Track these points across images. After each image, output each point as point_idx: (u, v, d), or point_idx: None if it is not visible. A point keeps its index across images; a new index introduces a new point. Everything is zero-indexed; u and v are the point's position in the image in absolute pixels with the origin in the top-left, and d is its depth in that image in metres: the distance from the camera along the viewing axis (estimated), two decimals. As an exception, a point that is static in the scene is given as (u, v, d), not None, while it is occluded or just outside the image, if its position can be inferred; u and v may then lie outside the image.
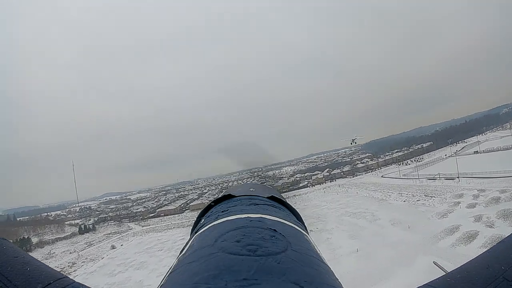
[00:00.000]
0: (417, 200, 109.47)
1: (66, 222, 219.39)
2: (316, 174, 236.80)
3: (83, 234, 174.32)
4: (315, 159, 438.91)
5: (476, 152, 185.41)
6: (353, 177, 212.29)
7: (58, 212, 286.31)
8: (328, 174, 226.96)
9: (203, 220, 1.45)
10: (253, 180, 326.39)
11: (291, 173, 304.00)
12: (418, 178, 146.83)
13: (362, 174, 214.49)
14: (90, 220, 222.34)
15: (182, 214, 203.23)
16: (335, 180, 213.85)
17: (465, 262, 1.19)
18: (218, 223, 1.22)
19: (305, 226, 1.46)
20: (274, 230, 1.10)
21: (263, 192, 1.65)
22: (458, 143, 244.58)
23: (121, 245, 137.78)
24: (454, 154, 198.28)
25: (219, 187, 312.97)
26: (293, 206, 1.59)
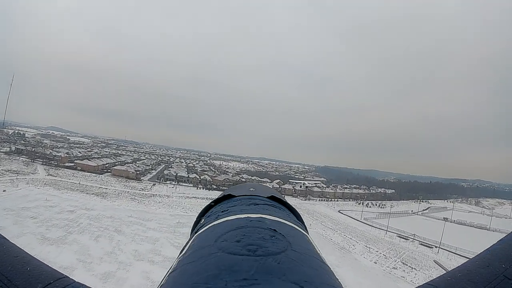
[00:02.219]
0: (393, 268, 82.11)
1: None
2: (264, 182, 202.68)
3: None
4: (266, 164, 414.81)
5: (446, 219, 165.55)
6: (305, 199, 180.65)
7: None
8: (278, 186, 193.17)
9: (203, 220, 1.43)
10: (196, 163, 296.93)
11: (237, 170, 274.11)
12: (387, 231, 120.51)
13: (316, 200, 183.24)
14: (4, 147, 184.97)
15: (101, 175, 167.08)
16: (284, 197, 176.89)
17: (465, 261, 1.19)
18: (218, 223, 1.22)
19: (305, 226, 1.45)
20: (274, 230, 1.09)
21: (263, 192, 1.61)
22: (422, 201, 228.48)
23: (3, 191, 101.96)
24: (420, 213, 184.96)
25: (158, 158, 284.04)
26: (293, 206, 1.57)
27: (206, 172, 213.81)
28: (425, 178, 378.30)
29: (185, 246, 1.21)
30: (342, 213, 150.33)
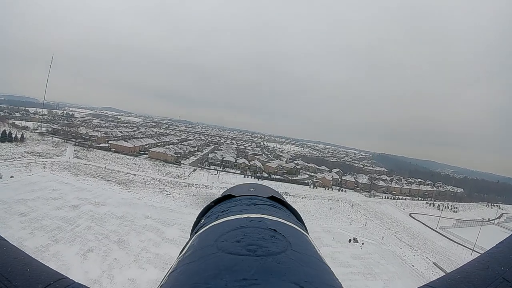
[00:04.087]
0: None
1: (10, 121, 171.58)
2: (322, 171, 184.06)
3: (3, 142, 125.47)
4: (322, 148, 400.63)
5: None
6: (369, 195, 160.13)
7: (34, 108, 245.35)
8: (338, 178, 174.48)
9: (203, 220, 1.43)
10: (248, 145, 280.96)
11: (292, 154, 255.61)
12: (472, 251, 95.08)
13: (381, 197, 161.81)
14: (42, 127, 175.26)
15: (135, 158, 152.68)
16: (345, 191, 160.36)
17: (464, 263, 1.19)
18: (218, 223, 1.22)
19: (305, 226, 1.46)
20: (274, 230, 1.10)
21: (263, 192, 1.63)
22: (493, 205, 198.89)
23: (11, 177, 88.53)
24: (497, 223, 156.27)
25: (208, 139, 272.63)
26: (293, 207, 1.58)
27: (257, 157, 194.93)
28: (487, 175, 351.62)
29: (185, 246, 1.21)
30: (414, 218, 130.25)
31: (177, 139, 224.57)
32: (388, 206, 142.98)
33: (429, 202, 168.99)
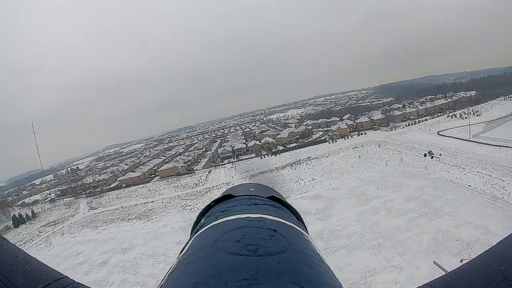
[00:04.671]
0: None
1: (18, 203, 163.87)
2: (335, 123, 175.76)
3: (18, 227, 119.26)
4: (323, 101, 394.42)
5: None
6: (389, 128, 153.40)
7: (40, 179, 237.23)
8: (352, 123, 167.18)
9: (203, 220, 1.43)
10: (252, 125, 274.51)
11: (298, 117, 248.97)
12: None
13: (401, 126, 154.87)
14: (50, 194, 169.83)
15: (148, 184, 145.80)
16: (365, 133, 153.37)
17: (465, 262, 1.18)
18: (218, 223, 1.22)
19: (305, 226, 1.47)
20: (274, 230, 1.10)
21: (263, 192, 1.65)
22: (509, 97, 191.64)
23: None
24: None
25: (212, 135, 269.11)
26: (293, 206, 1.60)
27: (265, 133, 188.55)
28: (491, 71, 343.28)
29: (185, 246, 1.20)
30: (443, 136, 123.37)
31: (183, 148, 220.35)
32: (413, 133, 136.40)
33: (450, 115, 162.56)
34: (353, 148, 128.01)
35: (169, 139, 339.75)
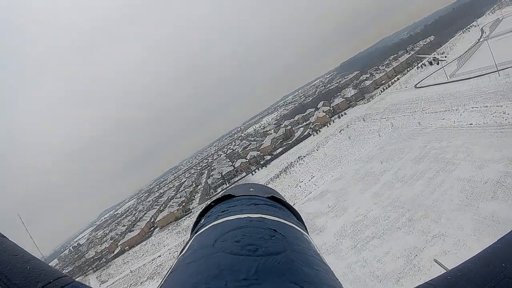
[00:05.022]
0: None
1: None
2: (311, 114, 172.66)
3: None
4: (292, 98, 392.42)
5: None
6: (367, 101, 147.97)
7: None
8: (328, 108, 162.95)
9: (203, 220, 1.44)
10: (233, 145, 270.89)
11: (274, 122, 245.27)
12: (498, 71, 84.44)
13: (378, 94, 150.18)
14: None
15: (150, 238, 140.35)
16: (345, 114, 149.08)
17: (465, 260, 1.16)
18: (218, 223, 1.22)
19: (305, 226, 1.48)
20: (274, 230, 1.10)
21: (263, 192, 1.64)
22: (466, 29, 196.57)
23: None
24: (485, 37, 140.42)
25: (198, 167, 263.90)
26: (293, 206, 1.59)
27: (248, 148, 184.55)
28: (440, 12, 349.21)
29: (185, 246, 1.21)
30: (422, 87, 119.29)
31: (173, 191, 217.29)
32: (391, 96, 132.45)
33: (418, 66, 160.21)
34: (339, 132, 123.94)
35: (158, 186, 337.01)
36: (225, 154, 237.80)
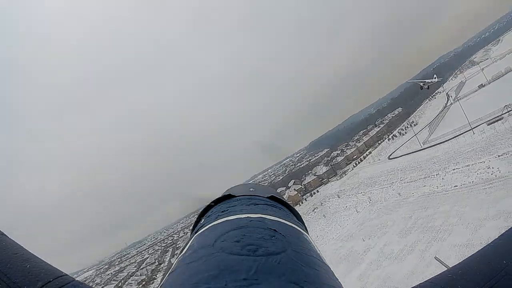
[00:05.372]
0: None
1: None
2: (282, 193, 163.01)
3: None
4: (262, 178, 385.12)
5: (482, 85, 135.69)
6: (340, 177, 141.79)
7: None
8: (300, 186, 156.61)
9: (203, 220, 1.42)
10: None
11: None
12: (472, 129, 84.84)
13: (350, 169, 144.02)
14: None
15: None
16: (317, 191, 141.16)
17: (466, 257, 1.14)
18: (218, 223, 1.21)
19: (305, 226, 1.46)
20: (274, 230, 1.09)
21: (263, 192, 1.62)
22: (432, 96, 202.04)
23: None
24: (453, 101, 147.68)
25: (162, 244, 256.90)
26: (293, 207, 1.56)
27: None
28: (404, 85, 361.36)
29: (185, 246, 1.21)
30: (395, 158, 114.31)
31: (135, 267, 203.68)
32: (365, 170, 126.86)
33: (389, 138, 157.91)
34: (313, 211, 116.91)
35: (119, 259, 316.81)
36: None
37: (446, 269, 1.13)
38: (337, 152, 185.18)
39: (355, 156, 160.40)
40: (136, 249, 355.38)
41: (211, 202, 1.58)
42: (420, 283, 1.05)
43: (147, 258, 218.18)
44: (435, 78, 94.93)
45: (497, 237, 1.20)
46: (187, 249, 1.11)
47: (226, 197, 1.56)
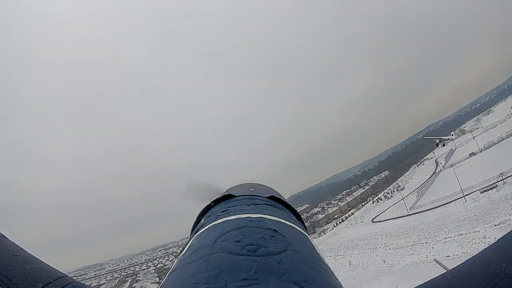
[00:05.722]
0: None
1: None
2: None
3: None
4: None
5: (473, 153, 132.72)
6: (319, 235, 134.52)
7: None
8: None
9: (203, 220, 1.43)
10: (166, 260, 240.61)
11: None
12: (464, 197, 79.70)
13: (330, 228, 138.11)
14: None
15: None
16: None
17: (466, 260, 1.18)
18: (218, 223, 1.21)
19: (305, 226, 1.47)
20: (274, 230, 1.10)
21: (263, 192, 1.64)
22: (421, 162, 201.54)
23: None
24: (442, 168, 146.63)
25: (122, 274, 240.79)
26: (293, 207, 1.60)
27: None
28: (392, 149, 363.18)
29: (185, 246, 1.20)
30: (380, 222, 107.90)
31: None
32: (346, 231, 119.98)
33: (374, 200, 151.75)
34: None
35: (76, 277, 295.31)
36: (154, 268, 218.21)
37: (446, 271, 1.17)
38: (317, 209, 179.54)
39: (336, 216, 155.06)
40: (95, 271, 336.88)
41: (211, 202, 1.57)
42: (420, 285, 1.08)
43: (103, 284, 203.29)
44: (452, 135, 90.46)
45: (496, 240, 1.22)
46: (187, 249, 1.11)
47: (226, 197, 1.57)
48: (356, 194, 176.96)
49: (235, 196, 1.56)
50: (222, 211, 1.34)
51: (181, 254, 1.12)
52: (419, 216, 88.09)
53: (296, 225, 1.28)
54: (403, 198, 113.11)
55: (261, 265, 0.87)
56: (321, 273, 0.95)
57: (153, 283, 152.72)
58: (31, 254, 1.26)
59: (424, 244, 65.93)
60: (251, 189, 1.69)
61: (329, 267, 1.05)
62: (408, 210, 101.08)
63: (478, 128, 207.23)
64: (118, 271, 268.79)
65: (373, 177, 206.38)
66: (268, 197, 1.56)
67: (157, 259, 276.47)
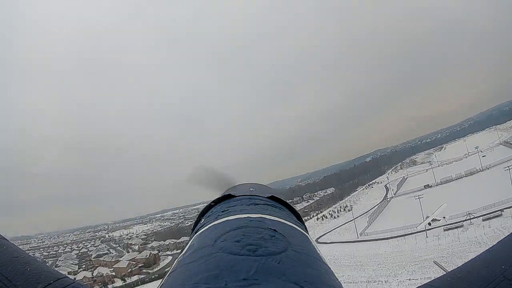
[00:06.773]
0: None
1: None
2: (185, 243, 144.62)
3: None
4: (171, 215, 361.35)
5: (428, 185, 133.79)
6: None
7: None
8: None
9: (203, 220, 1.44)
10: (91, 244, 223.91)
11: (143, 236, 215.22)
12: (426, 231, 75.96)
13: None
14: None
15: None
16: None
17: (465, 262, 1.18)
18: (218, 223, 1.22)
19: (305, 226, 1.46)
20: (274, 230, 1.10)
21: (263, 192, 1.65)
22: (369, 185, 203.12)
23: None
24: (393, 195, 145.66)
25: (45, 253, 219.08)
26: (293, 206, 1.61)
27: (103, 257, 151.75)
28: (340, 166, 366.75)
29: (185, 246, 1.21)
30: (325, 243, 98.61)
31: None
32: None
33: (318, 217, 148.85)
34: None
35: None
36: (78, 251, 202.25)
37: (445, 272, 1.18)
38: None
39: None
40: (19, 245, 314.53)
41: (211, 202, 1.58)
42: (419, 286, 1.09)
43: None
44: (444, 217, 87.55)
45: (496, 243, 1.23)
46: (187, 249, 1.12)
47: (226, 197, 1.57)
48: (299, 207, 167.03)
49: (235, 196, 1.56)
50: (222, 211, 1.35)
51: (181, 254, 1.12)
52: (372, 245, 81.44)
53: (296, 225, 1.29)
54: (354, 219, 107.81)
55: (261, 265, 0.88)
56: (321, 273, 0.96)
57: (69, 272, 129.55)
58: (31, 256, 1.25)
59: (383, 283, 57.98)
60: (251, 189, 1.69)
61: (329, 267, 1.06)
62: (358, 235, 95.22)
63: (430, 161, 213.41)
64: (41, 249, 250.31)
65: (318, 192, 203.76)
66: (268, 197, 1.56)
67: (84, 242, 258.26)
